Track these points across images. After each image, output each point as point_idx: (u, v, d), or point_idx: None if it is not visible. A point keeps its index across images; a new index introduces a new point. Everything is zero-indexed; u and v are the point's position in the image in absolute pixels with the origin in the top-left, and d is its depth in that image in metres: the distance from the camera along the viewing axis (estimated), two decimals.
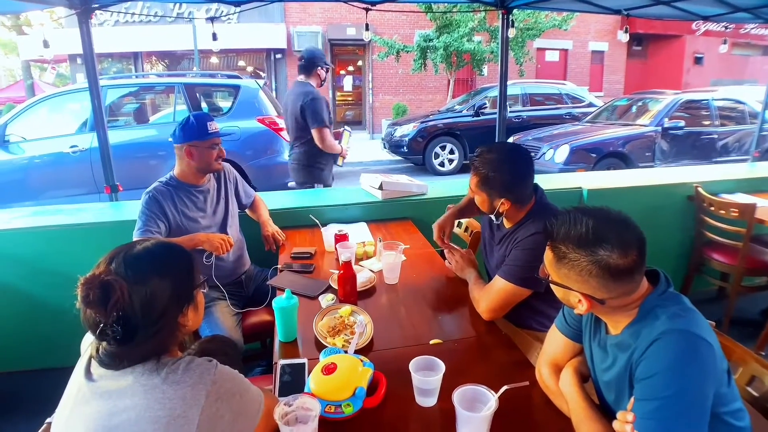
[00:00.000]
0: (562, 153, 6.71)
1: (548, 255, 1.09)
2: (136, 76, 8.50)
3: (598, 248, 0.99)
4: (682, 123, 7.02)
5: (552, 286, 1.12)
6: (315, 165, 3.44)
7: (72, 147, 5.04)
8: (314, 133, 3.29)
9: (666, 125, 6.98)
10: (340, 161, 3.53)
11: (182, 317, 1.00)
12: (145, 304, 0.92)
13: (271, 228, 2.46)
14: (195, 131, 2.13)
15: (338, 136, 3.52)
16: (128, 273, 0.92)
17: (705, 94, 7.75)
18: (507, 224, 1.80)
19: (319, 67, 3.41)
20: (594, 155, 6.77)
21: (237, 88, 5.64)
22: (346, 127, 3.59)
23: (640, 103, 7.93)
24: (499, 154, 1.67)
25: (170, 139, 2.20)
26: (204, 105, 5.98)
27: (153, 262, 0.98)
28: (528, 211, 1.72)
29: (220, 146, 2.21)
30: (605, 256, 0.99)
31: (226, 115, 5.50)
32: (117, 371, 0.91)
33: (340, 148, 3.45)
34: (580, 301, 1.05)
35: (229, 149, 5.50)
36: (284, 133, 5.45)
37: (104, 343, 0.92)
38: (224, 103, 6.05)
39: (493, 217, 1.76)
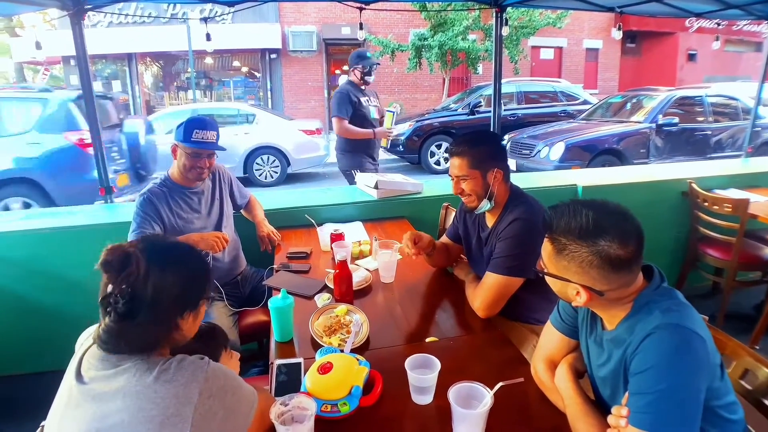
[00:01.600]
0: (558, 150, 6.73)
1: (547, 247, 1.09)
2: None
3: (599, 239, 0.99)
4: (676, 119, 7.05)
5: (549, 279, 1.12)
6: (350, 151, 3.69)
7: None
8: (333, 122, 3.65)
9: (660, 122, 7.01)
10: (384, 142, 3.80)
11: (182, 320, 1.00)
12: (154, 289, 0.93)
13: (267, 228, 2.45)
14: (181, 133, 2.10)
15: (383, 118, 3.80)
16: (152, 255, 0.95)
17: (698, 91, 7.77)
18: (489, 222, 1.82)
19: (353, 68, 3.71)
20: (589, 152, 6.79)
21: (44, 101, 5.36)
22: (389, 107, 3.77)
23: (634, 100, 7.95)
24: (474, 134, 1.79)
25: None
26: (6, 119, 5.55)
27: (175, 254, 1.03)
28: (505, 203, 1.77)
29: (206, 158, 2.13)
30: (606, 246, 0.99)
31: (30, 131, 5.24)
32: (109, 372, 0.91)
33: (360, 134, 3.62)
34: (578, 293, 1.05)
35: (29, 168, 5.19)
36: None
37: (106, 319, 0.93)
38: (32, 116, 5.56)
39: (486, 201, 1.74)
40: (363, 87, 3.77)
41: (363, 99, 3.72)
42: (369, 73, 3.74)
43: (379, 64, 3.76)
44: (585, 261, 1.01)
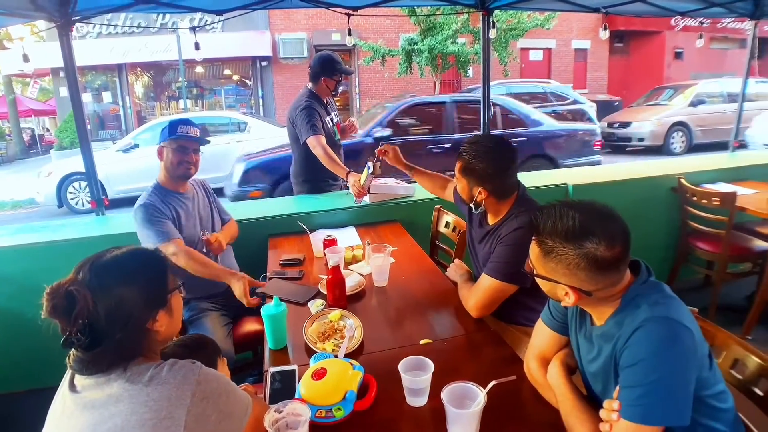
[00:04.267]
0: (237, 172, 5.78)
1: (534, 249, 1.10)
2: None
3: (586, 241, 1.00)
4: (389, 132, 6.11)
5: (538, 280, 1.13)
6: (311, 180, 3.17)
7: None
8: (309, 143, 2.95)
9: (376, 135, 5.96)
10: (355, 198, 2.80)
11: (153, 323, 1.00)
12: (109, 312, 0.92)
13: (221, 236, 2.27)
14: (166, 132, 2.15)
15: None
16: (93, 282, 0.93)
17: (441, 97, 6.88)
18: (491, 220, 1.81)
19: (325, 78, 3.05)
20: (271, 175, 5.68)
21: None
22: (369, 161, 2.63)
23: (377, 110, 6.92)
24: (483, 144, 1.73)
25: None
26: None
27: (119, 270, 0.98)
28: (510, 207, 1.74)
29: (192, 152, 2.17)
30: (592, 248, 1.00)
31: None
32: (100, 380, 0.91)
33: (336, 167, 2.89)
34: (567, 293, 1.06)
35: None
36: None
37: (75, 351, 0.93)
38: None
39: (472, 206, 1.79)
40: (327, 101, 3.15)
41: (327, 118, 3.10)
42: (341, 83, 3.15)
43: (353, 72, 3.20)
44: (572, 263, 1.02)
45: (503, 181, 1.72)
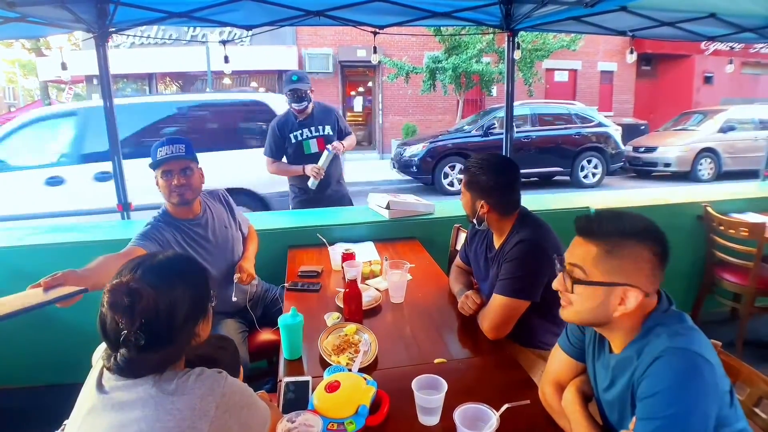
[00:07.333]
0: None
1: (590, 251, 1.05)
2: None
3: (650, 235, 1.03)
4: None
5: (585, 292, 1.05)
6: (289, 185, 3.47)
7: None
8: None
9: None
10: (309, 181, 3.14)
11: (199, 328, 1.04)
12: (169, 312, 0.95)
13: (247, 267, 2.17)
14: (151, 157, 1.95)
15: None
16: (153, 280, 0.95)
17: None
18: (496, 242, 1.84)
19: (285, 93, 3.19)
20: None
21: None
22: (328, 146, 3.15)
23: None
24: (487, 160, 1.78)
25: None
26: None
27: (175, 271, 1.02)
28: (512, 225, 1.78)
29: (178, 174, 1.93)
30: (658, 241, 1.03)
31: None
32: (129, 382, 0.93)
33: (290, 171, 3.28)
34: (622, 299, 1.02)
35: None
36: None
37: (123, 351, 0.93)
38: None
39: (475, 221, 1.81)
40: (299, 116, 3.18)
41: (293, 134, 3.19)
42: (297, 100, 3.08)
43: (300, 90, 3.05)
44: (640, 256, 1.02)
45: (505, 196, 1.76)
